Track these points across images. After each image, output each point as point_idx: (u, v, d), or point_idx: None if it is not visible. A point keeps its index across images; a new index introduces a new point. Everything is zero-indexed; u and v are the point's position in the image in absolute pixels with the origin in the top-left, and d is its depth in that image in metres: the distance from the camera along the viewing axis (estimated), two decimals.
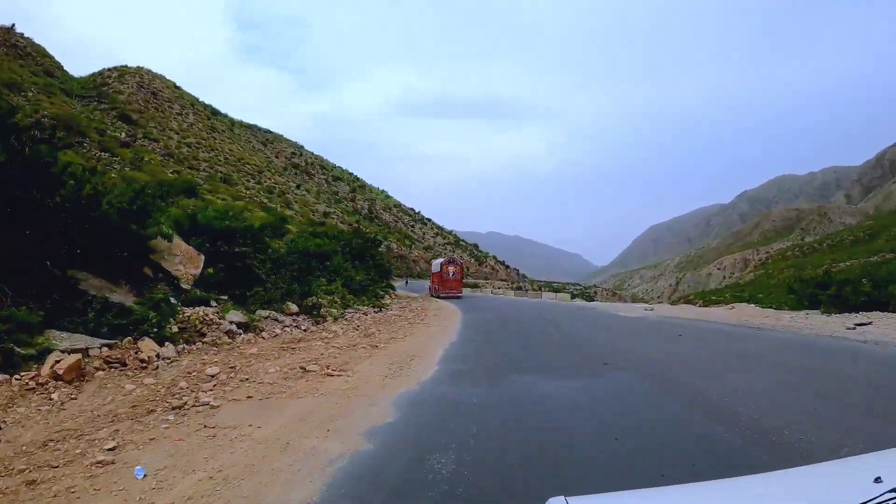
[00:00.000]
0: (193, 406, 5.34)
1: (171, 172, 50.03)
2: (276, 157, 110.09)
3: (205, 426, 4.69)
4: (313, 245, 20.19)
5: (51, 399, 5.28)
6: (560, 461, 3.88)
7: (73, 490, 3.35)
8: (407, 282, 66.00)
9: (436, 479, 3.48)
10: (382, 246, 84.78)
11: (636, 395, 5.97)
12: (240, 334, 10.01)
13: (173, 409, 5.21)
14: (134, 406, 5.23)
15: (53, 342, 6.70)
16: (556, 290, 44.12)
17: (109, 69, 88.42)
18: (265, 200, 64.14)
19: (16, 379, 5.63)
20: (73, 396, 5.45)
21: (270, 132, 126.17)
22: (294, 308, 13.57)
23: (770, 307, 18.78)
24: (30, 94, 52.01)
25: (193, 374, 6.73)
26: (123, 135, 65.79)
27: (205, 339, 9.11)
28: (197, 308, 10.13)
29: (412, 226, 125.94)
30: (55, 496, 3.27)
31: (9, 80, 51.17)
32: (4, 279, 7.02)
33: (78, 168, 9.19)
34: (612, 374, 7.14)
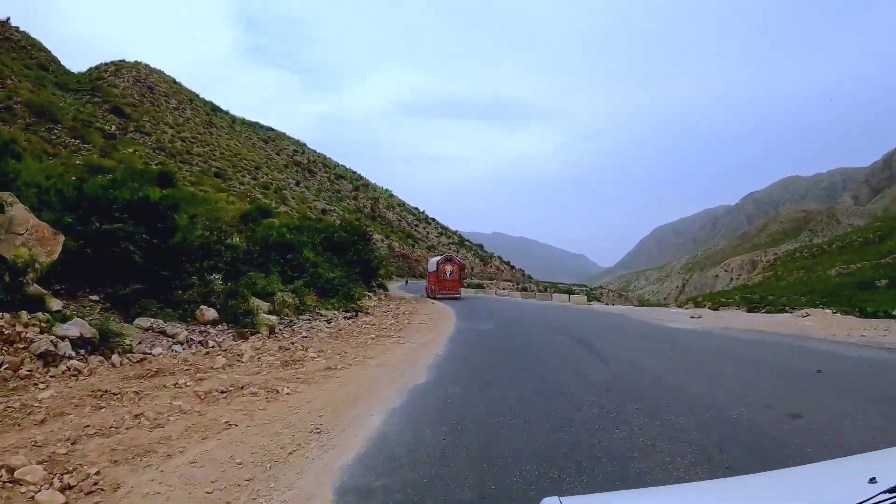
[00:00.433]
0: None
1: (156, 164, 46.26)
2: (278, 154, 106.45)
3: None
4: (275, 234, 16.05)
5: None
6: None
7: None
8: (407, 282, 62.64)
9: None
10: (384, 244, 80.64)
11: None
12: (71, 357, 5.89)
13: None
14: None
15: None
16: (569, 292, 39.47)
17: (107, 64, 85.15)
18: (260, 196, 60.32)
19: None
20: None
21: (272, 130, 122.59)
22: (210, 315, 9.42)
23: (850, 314, 14.49)
24: (8, 81, 48.49)
25: None
26: (113, 127, 62.31)
27: None
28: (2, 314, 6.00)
29: (416, 225, 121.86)
30: None
31: None
32: None
33: None
34: None
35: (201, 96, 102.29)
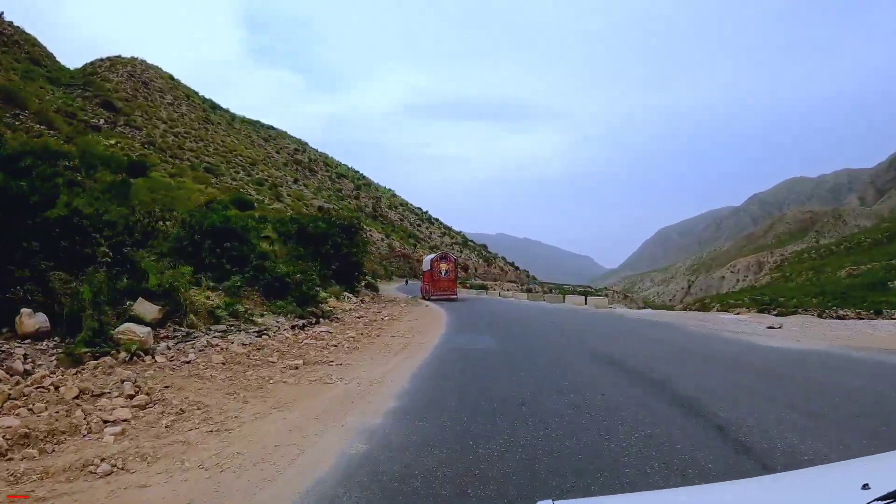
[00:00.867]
0: None
1: (137, 156, 42.90)
2: (277, 152, 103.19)
3: None
4: (216, 218, 12.35)
5: None
6: None
7: None
8: (407, 282, 59.62)
9: None
10: (384, 243, 76.99)
11: None
12: None
13: None
14: None
15: None
16: (585, 293, 35.12)
17: (102, 59, 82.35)
18: (253, 192, 56.93)
19: None
20: None
21: (273, 128, 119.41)
22: (33, 323, 5.77)
23: None
24: None
25: None
26: (102, 121, 59.23)
27: None
28: None
29: (418, 225, 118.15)
30: None
31: None
32: None
33: None
34: None
35: (203, 95, 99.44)
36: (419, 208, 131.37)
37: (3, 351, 5.22)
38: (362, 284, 24.92)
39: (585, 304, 22.00)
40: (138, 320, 6.86)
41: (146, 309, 7.30)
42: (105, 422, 3.56)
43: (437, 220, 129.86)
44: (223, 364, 5.87)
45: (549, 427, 3.84)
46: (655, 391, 5.17)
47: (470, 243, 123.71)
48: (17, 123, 32.03)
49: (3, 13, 76.46)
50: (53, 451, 3.03)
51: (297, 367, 6.02)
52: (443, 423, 3.94)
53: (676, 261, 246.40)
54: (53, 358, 5.43)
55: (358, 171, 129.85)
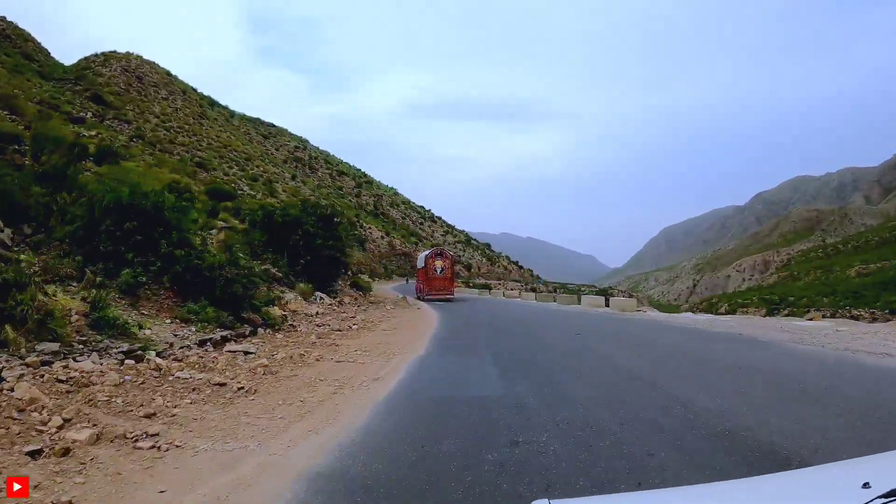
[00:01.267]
0: None
1: (118, 145, 39.97)
2: (277, 150, 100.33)
3: None
4: (126, 196, 9.14)
5: None
6: None
7: None
8: (407, 280, 57.21)
9: None
10: (384, 241, 73.91)
11: None
12: None
13: None
14: None
15: None
16: (604, 293, 31.27)
17: (97, 54, 79.71)
18: (246, 188, 53.99)
19: None
20: None
21: (274, 126, 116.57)
22: None
23: None
24: None
25: None
26: (90, 114, 56.48)
27: None
28: None
29: (421, 223, 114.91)
30: None
31: None
32: None
33: None
34: None
35: (202, 92, 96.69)
36: (421, 206, 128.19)
37: None
38: (346, 283, 21.76)
39: (607, 306, 18.12)
40: None
41: None
42: None
43: (439, 218, 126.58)
44: None
45: None
46: None
47: (473, 242, 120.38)
48: None
49: None
50: None
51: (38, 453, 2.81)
52: None
53: (681, 260, 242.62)
54: None
55: (360, 170, 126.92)
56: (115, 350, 5.57)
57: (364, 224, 76.37)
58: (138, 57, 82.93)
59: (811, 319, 15.37)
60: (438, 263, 24.18)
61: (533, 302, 25.76)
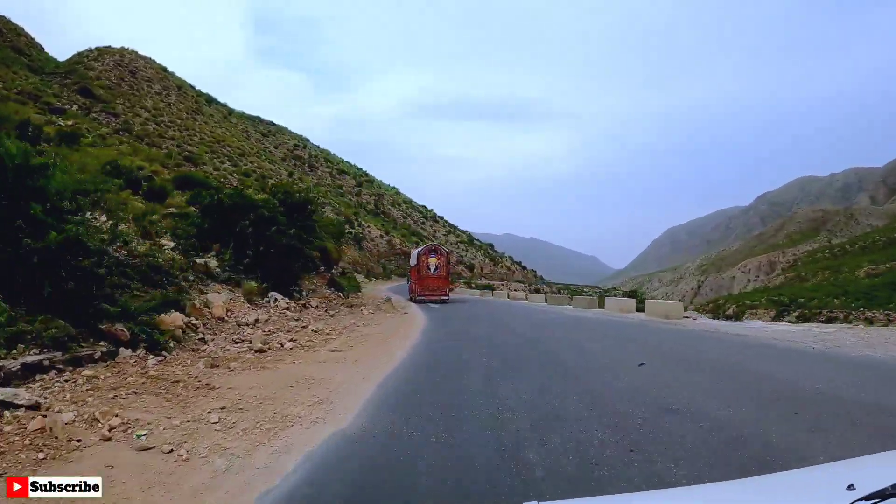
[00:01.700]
0: None
1: (94, 136, 37.06)
2: (276, 148, 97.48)
3: None
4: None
5: None
6: None
7: None
8: (407, 280, 53.57)
9: None
10: (383, 240, 70.63)
11: None
12: None
13: None
14: None
15: None
16: (633, 296, 27.31)
17: (91, 49, 77.14)
18: (235, 182, 51.04)
19: None
20: None
21: (273, 124, 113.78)
22: None
23: None
24: None
25: None
26: (75, 107, 53.76)
27: None
28: None
29: (422, 223, 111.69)
30: None
31: None
32: None
33: None
34: None
35: (199, 89, 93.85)
36: (423, 206, 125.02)
37: None
38: (324, 282, 18.53)
39: (640, 311, 13.96)
40: None
41: None
42: None
43: (441, 217, 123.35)
44: None
45: None
46: None
47: (476, 242, 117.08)
48: None
49: None
50: None
51: None
52: None
53: (685, 261, 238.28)
54: None
55: (361, 168, 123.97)
56: None
57: (363, 223, 73.28)
58: (133, 52, 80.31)
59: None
60: (432, 261, 21.07)
61: (542, 305, 21.97)
